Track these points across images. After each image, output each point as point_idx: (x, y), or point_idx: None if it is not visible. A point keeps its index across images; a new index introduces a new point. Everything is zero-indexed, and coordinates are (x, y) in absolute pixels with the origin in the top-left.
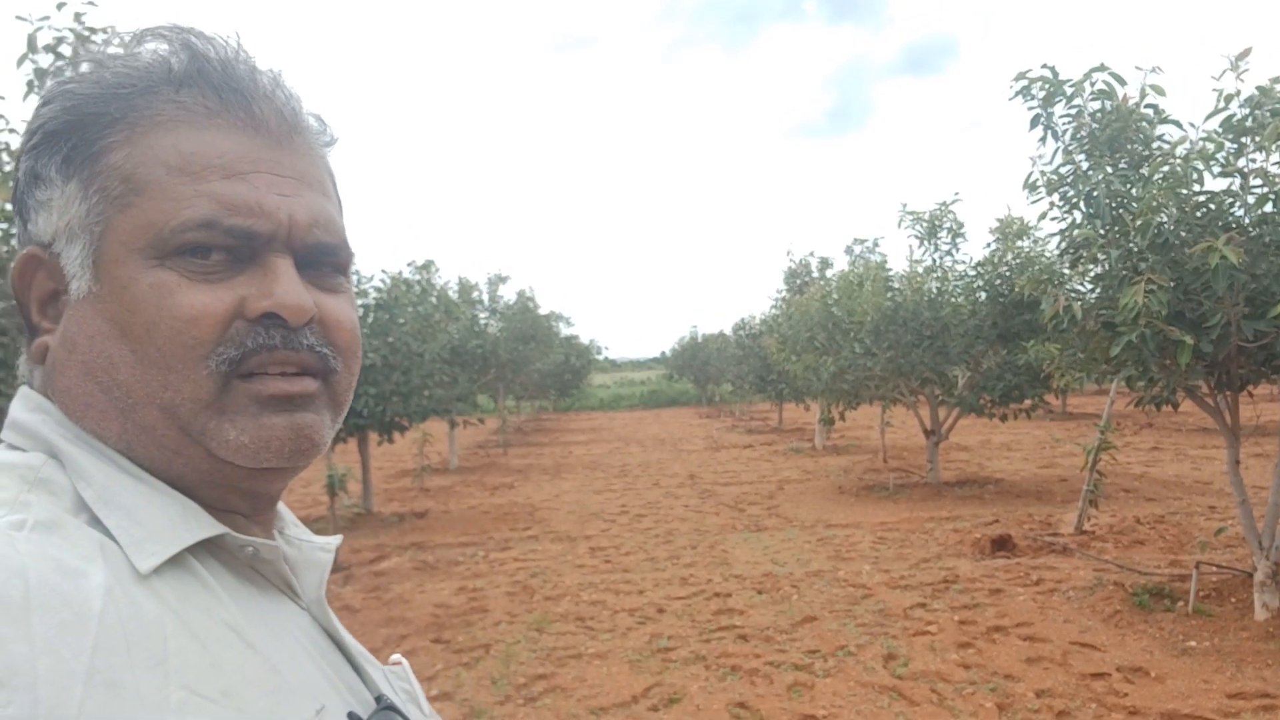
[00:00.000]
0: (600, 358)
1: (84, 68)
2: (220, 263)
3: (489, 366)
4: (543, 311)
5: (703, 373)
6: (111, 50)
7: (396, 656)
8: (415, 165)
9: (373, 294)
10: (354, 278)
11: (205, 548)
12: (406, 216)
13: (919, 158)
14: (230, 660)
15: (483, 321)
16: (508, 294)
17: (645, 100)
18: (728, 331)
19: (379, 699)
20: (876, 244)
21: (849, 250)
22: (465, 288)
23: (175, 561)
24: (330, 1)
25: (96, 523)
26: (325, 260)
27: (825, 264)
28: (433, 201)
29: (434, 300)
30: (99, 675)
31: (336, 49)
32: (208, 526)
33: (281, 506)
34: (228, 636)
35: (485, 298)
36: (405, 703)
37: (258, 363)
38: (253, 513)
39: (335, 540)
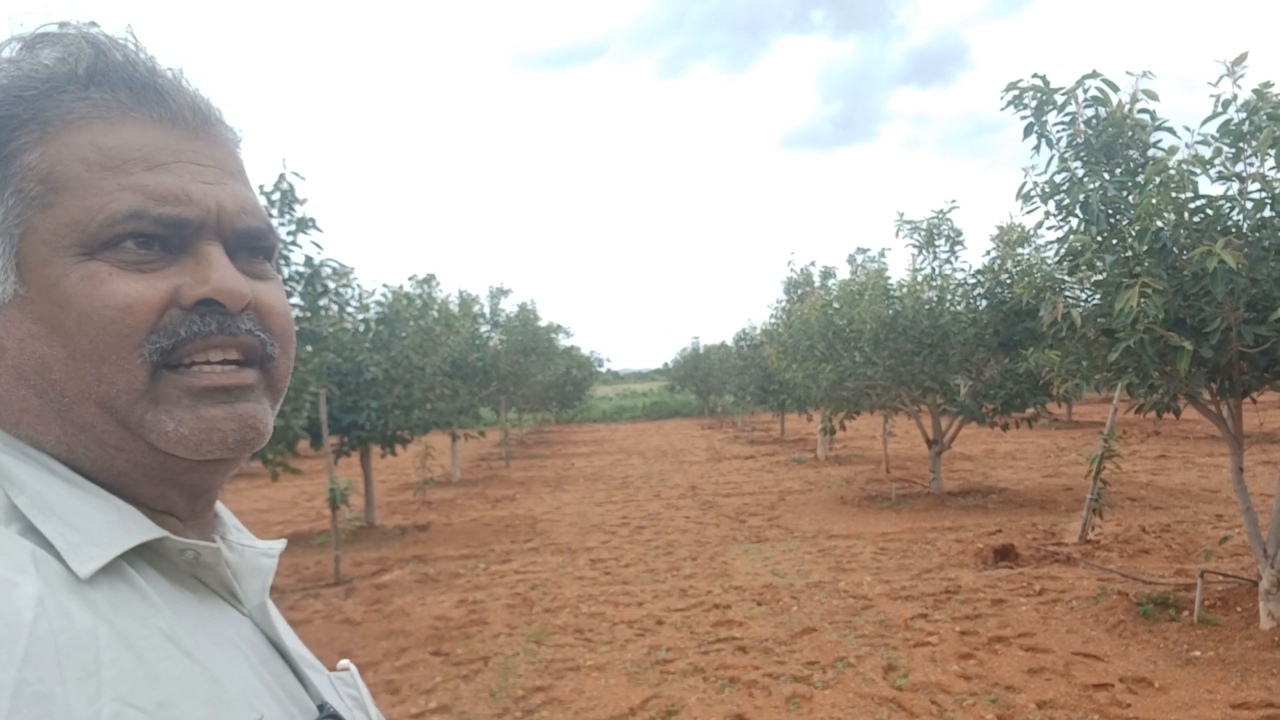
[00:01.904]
0: (603, 370)
1: None
2: (151, 254)
3: (490, 379)
4: (544, 324)
5: (705, 384)
6: (6, 54)
7: (344, 662)
8: (417, 179)
9: (374, 308)
10: (354, 290)
11: (143, 554)
12: (408, 231)
13: (927, 167)
14: (166, 670)
15: (484, 334)
16: (509, 307)
17: (649, 111)
18: (729, 342)
19: (321, 707)
20: (882, 253)
21: (851, 260)
22: (466, 301)
23: (111, 570)
24: (335, 13)
25: (30, 531)
26: (255, 246)
27: (827, 273)
28: (435, 216)
29: (435, 314)
30: (28, 688)
31: (339, 61)
32: (146, 530)
33: (223, 510)
34: (164, 646)
35: (486, 310)
36: (352, 709)
37: (191, 350)
38: (190, 515)
39: (279, 545)
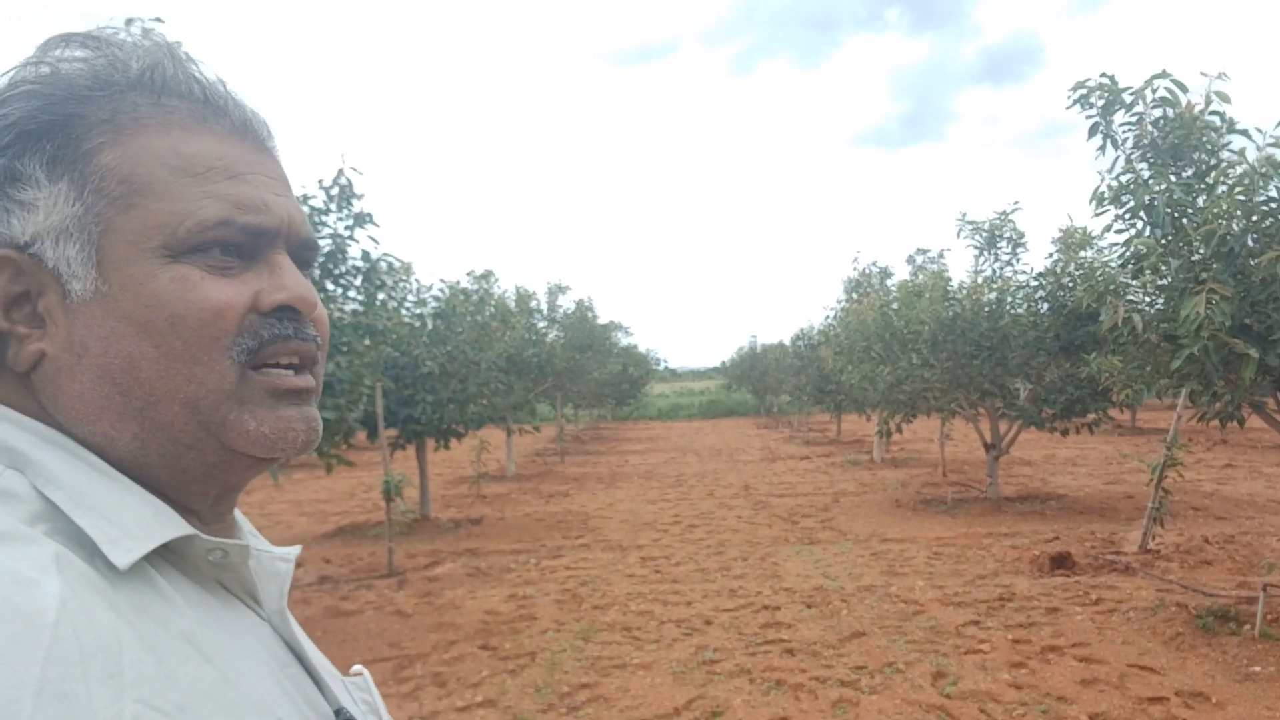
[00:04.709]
0: (660, 368)
1: (43, 70)
2: (232, 260)
3: (546, 375)
4: (602, 321)
5: (761, 383)
6: (65, 52)
7: (358, 667)
8: (479, 176)
9: (431, 303)
10: (412, 285)
11: (166, 556)
12: (469, 227)
13: (996, 167)
14: (186, 673)
15: (541, 330)
16: (567, 303)
17: (714, 109)
18: (787, 342)
19: (338, 712)
20: (942, 254)
21: (910, 260)
22: (523, 297)
23: (134, 571)
24: (396, 12)
25: (56, 532)
26: (306, 257)
27: (885, 273)
28: (495, 213)
29: (491, 309)
30: (51, 687)
31: (399, 57)
32: (180, 526)
33: (239, 516)
34: (184, 649)
35: (544, 307)
36: (365, 714)
37: (271, 353)
38: (214, 517)
39: (294, 550)
